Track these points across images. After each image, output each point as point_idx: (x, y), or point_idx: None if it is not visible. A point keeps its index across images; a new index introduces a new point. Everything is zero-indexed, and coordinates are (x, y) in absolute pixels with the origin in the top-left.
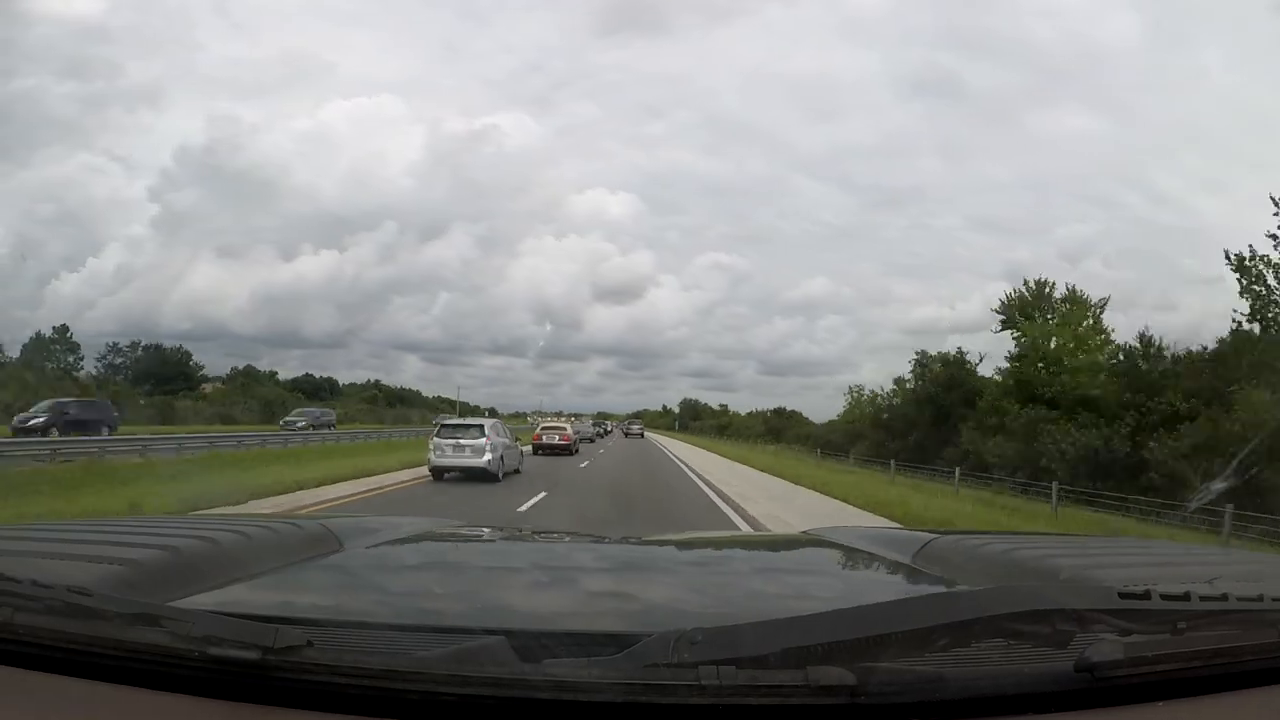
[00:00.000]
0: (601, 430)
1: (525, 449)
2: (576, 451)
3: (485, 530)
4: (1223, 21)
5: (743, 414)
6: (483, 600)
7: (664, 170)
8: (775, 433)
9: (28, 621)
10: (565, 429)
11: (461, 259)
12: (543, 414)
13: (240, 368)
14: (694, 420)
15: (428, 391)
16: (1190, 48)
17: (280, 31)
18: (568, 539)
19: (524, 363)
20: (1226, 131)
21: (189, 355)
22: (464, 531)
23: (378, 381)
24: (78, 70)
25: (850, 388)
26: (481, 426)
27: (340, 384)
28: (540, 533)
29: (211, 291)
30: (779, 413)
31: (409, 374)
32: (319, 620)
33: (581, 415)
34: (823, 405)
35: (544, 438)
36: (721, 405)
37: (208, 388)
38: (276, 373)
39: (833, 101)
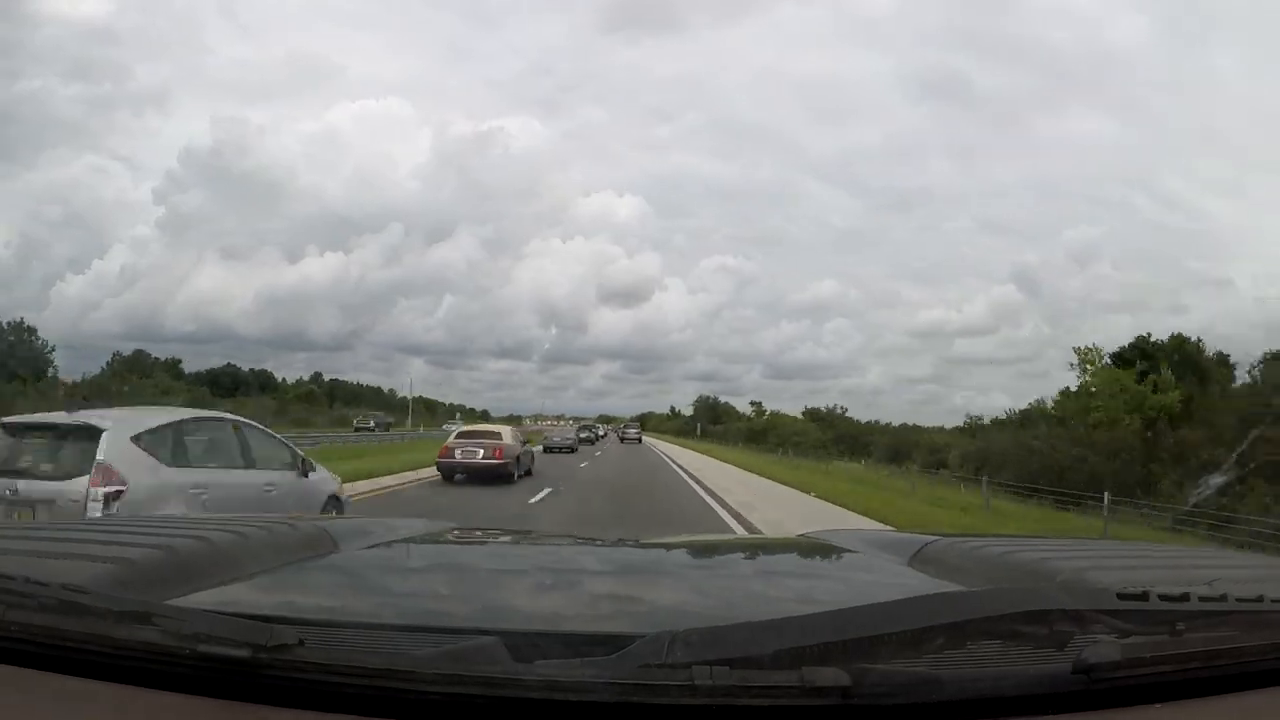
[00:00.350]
0: (592, 435)
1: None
2: (528, 474)
3: (481, 532)
4: (1233, 23)
5: (784, 415)
6: (477, 601)
7: (671, 173)
8: (849, 443)
9: (21, 619)
10: (499, 438)
11: (467, 261)
12: (544, 417)
13: (127, 353)
14: (714, 424)
15: (435, 395)
16: (1201, 50)
17: (288, 34)
18: (564, 541)
19: (529, 366)
20: (1235, 133)
21: (33, 331)
22: (460, 533)
23: (319, 375)
24: (85, 72)
25: (1082, 350)
26: None
27: (280, 379)
28: (536, 534)
29: (217, 293)
30: (814, 414)
31: (413, 377)
32: (312, 619)
33: (583, 419)
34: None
35: (457, 454)
36: (755, 404)
37: (67, 378)
38: (180, 360)
39: (842, 104)
